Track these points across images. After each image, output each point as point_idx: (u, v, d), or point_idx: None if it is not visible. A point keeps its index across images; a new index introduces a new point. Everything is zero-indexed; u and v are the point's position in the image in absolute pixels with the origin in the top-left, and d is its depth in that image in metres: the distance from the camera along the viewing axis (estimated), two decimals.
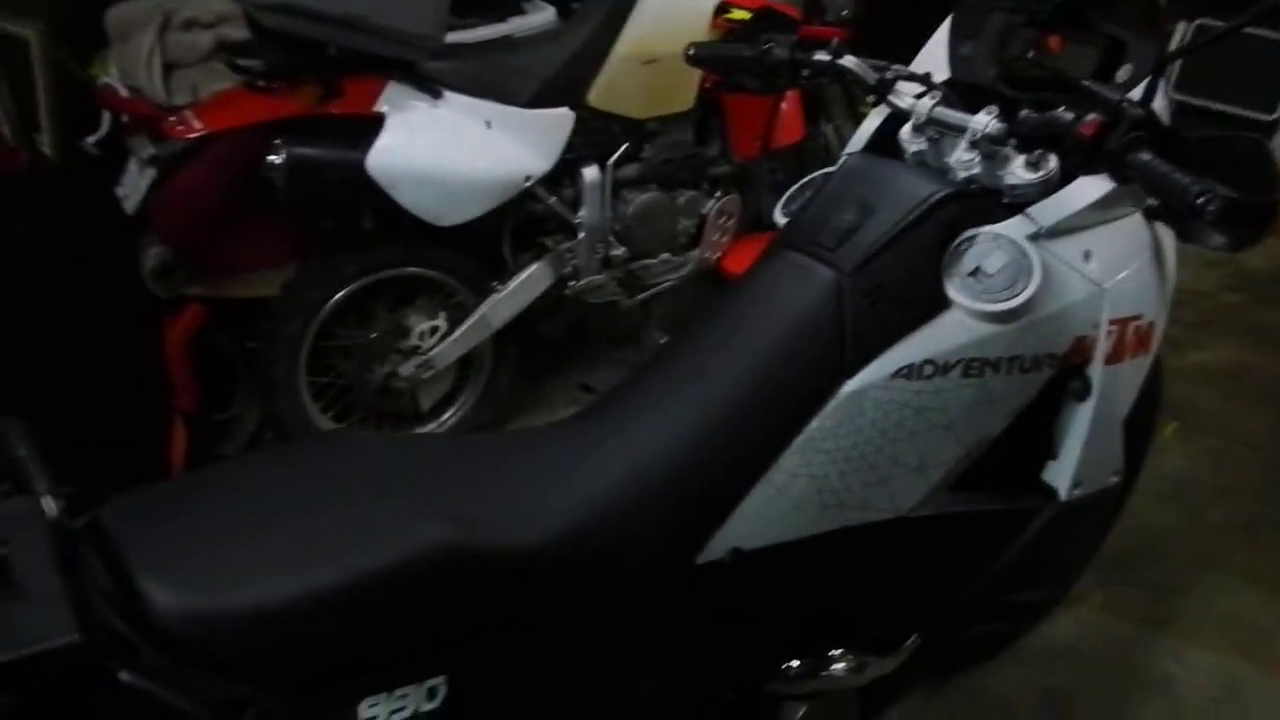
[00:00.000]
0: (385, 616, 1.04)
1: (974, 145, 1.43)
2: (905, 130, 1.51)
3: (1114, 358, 1.49)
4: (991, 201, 1.42)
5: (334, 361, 2.54)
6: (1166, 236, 1.60)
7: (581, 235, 2.61)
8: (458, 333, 2.56)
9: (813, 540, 1.36)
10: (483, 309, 2.57)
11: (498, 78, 2.41)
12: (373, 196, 2.26)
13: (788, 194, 1.63)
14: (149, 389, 2.60)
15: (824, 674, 1.50)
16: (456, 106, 2.34)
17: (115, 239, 2.47)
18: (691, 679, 1.36)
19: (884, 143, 1.57)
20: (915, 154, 1.49)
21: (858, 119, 2.14)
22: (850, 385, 1.34)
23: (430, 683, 1.07)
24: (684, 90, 2.66)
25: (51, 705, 0.87)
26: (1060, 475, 1.53)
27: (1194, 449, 2.87)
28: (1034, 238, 1.39)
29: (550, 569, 1.16)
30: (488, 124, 2.38)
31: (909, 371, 1.36)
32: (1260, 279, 3.92)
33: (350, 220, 2.44)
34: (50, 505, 0.98)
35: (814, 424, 1.33)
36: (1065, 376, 1.48)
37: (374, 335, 2.52)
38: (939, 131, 1.47)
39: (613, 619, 1.24)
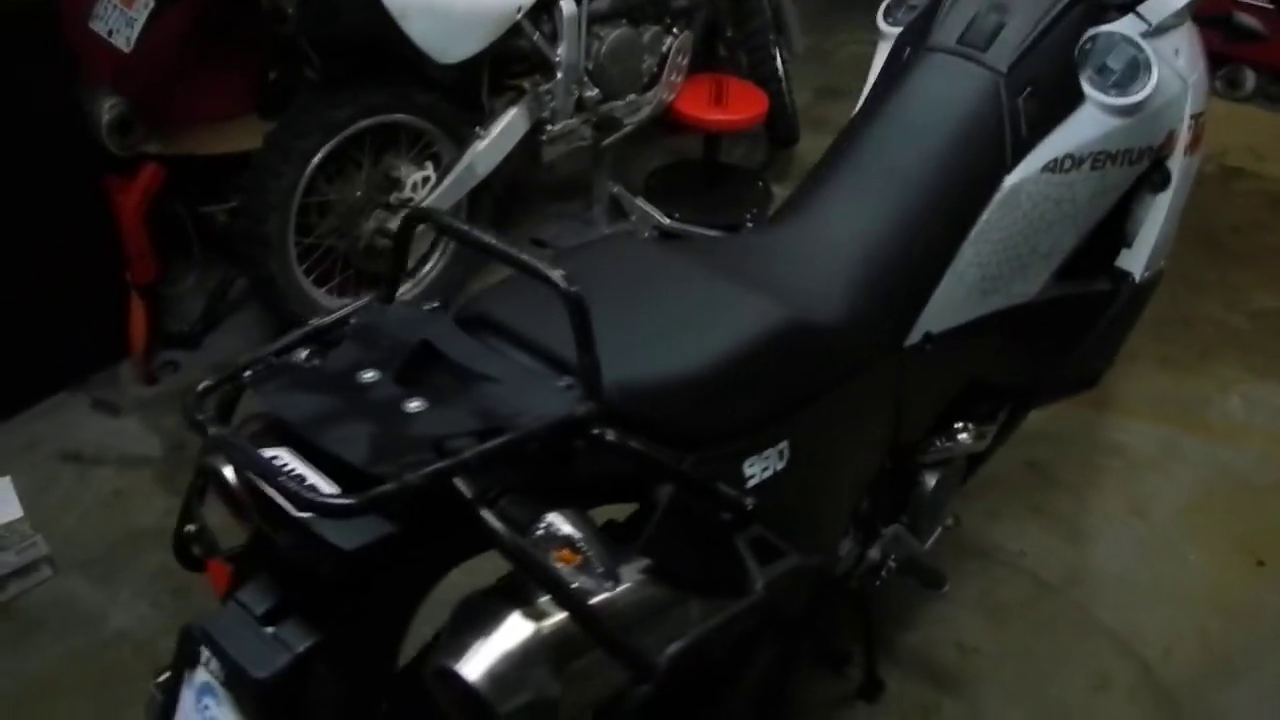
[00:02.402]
0: (757, 385, 1.14)
1: None
2: None
3: (1190, 150, 1.68)
4: (1108, 1, 1.54)
5: (310, 221, 2.41)
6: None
7: (559, 75, 2.57)
8: (446, 181, 2.49)
9: (973, 324, 1.50)
10: (468, 156, 2.50)
11: None
12: (381, 28, 2.13)
13: (888, 2, 1.69)
14: (101, 260, 2.39)
15: (955, 442, 1.66)
16: None
17: (59, 93, 2.20)
18: (883, 448, 1.48)
19: None
20: None
21: None
22: (1010, 179, 1.46)
23: (780, 445, 1.15)
24: None
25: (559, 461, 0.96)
26: (1136, 261, 1.73)
27: None
28: (1145, 35, 1.54)
29: (839, 342, 1.25)
30: None
31: (1054, 165, 1.49)
32: None
33: (352, 55, 2.28)
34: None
35: (984, 217, 1.45)
36: (1149, 169, 1.66)
37: (361, 190, 2.40)
38: None
39: (861, 391, 1.34)
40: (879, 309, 1.34)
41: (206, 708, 0.99)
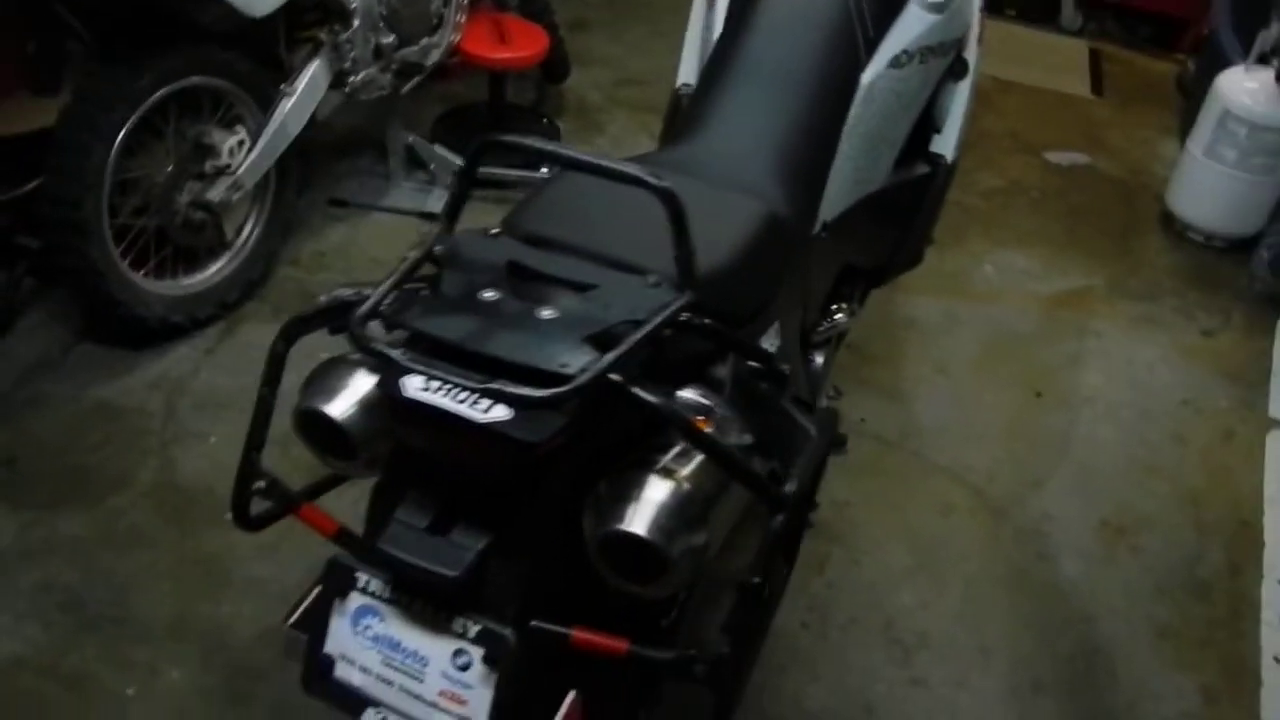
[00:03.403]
0: (766, 271, 1.32)
1: None
2: None
3: (980, 41, 1.97)
4: None
5: (116, 201, 2.24)
6: None
7: (356, 22, 2.51)
8: (261, 143, 2.39)
9: (849, 212, 1.72)
10: (278, 115, 2.42)
11: None
12: None
13: None
14: None
15: (834, 321, 1.89)
16: None
17: None
18: (798, 333, 1.67)
19: None
20: None
21: None
22: (866, 76, 1.68)
23: (775, 324, 1.30)
24: None
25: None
26: (947, 144, 2.00)
27: None
28: None
29: (790, 233, 1.42)
30: None
31: (894, 61, 1.72)
32: None
33: (124, 18, 2.12)
34: None
35: (852, 112, 1.66)
36: (953, 60, 1.94)
37: (172, 162, 2.27)
38: None
39: (795, 278, 1.51)
40: (800, 202, 1.52)
41: (368, 627, 1.03)
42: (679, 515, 1.00)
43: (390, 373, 0.99)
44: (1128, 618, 2.18)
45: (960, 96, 1.97)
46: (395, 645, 1.05)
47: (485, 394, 0.94)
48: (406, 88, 2.81)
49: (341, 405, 1.10)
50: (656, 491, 1.00)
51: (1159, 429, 2.64)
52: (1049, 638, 2.11)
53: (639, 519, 0.98)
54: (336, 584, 1.07)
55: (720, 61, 1.66)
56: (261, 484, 1.22)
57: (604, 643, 1.04)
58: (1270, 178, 3.14)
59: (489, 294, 1.06)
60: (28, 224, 2.33)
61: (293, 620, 1.13)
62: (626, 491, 1.01)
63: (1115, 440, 2.59)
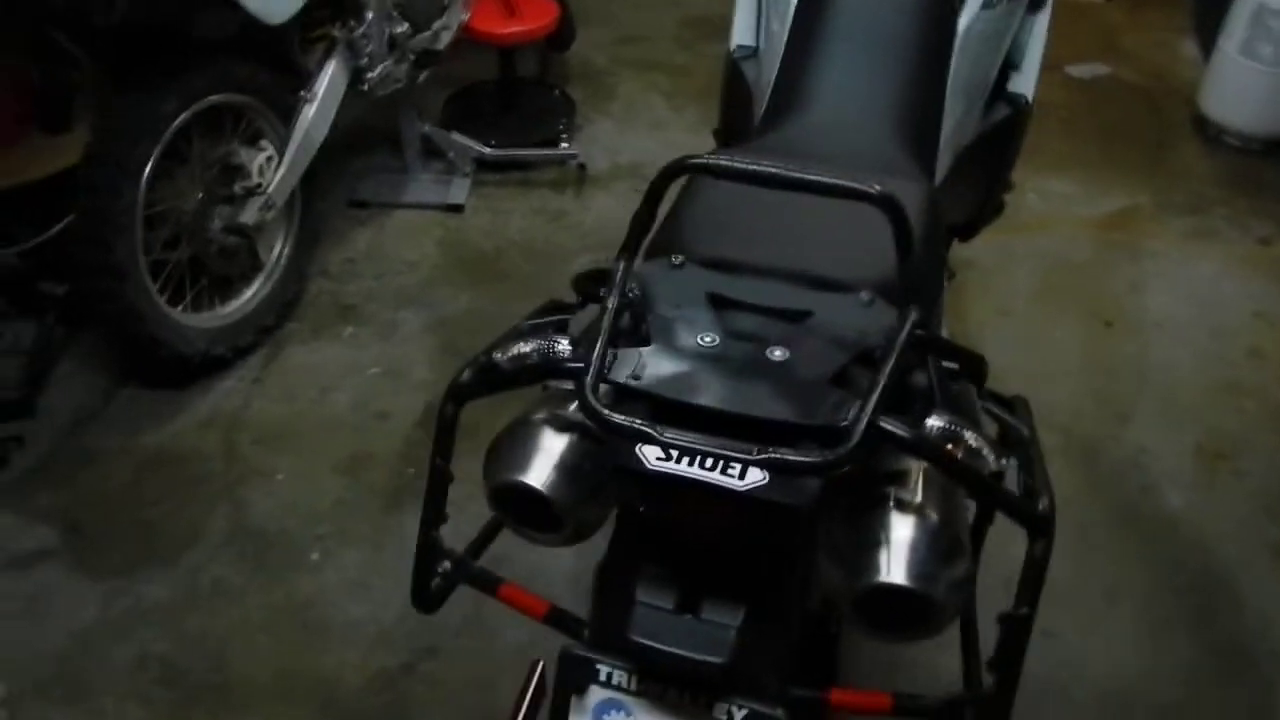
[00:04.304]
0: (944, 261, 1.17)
1: None
2: None
3: None
4: None
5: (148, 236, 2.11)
6: None
7: (369, 15, 2.36)
8: (289, 156, 2.26)
9: (952, 168, 1.62)
10: (301, 124, 2.28)
11: None
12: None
13: None
14: None
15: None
16: None
17: None
18: None
19: None
20: None
21: None
22: (963, 21, 1.57)
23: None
24: None
25: None
26: (1027, 83, 1.89)
27: None
28: None
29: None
30: None
31: (986, 3, 1.61)
32: None
33: (175, 36, 1.97)
34: None
35: (953, 63, 1.55)
36: None
37: (201, 188, 2.13)
38: None
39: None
40: (927, 170, 1.42)
41: None
42: (937, 553, 0.92)
43: (622, 443, 0.89)
44: (1242, 543, 2.13)
45: (1039, 30, 1.86)
46: None
47: (761, 464, 0.84)
48: (422, 77, 2.67)
49: (542, 475, 0.99)
50: (906, 531, 0.92)
51: (1234, 345, 2.57)
52: (1167, 573, 2.07)
53: (898, 568, 0.90)
54: (573, 678, 0.98)
55: (809, 25, 1.55)
56: (447, 564, 1.12)
57: (866, 700, 0.96)
58: None
59: (707, 339, 0.96)
60: (53, 270, 2.20)
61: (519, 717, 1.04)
62: (873, 537, 0.92)
63: (1193, 362, 2.53)
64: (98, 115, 1.98)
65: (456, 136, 2.88)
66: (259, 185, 2.21)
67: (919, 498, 0.94)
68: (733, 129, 1.97)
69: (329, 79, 2.32)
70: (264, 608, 1.94)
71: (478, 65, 3.23)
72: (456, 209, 2.86)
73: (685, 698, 0.95)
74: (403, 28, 2.49)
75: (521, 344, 1.04)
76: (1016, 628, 0.94)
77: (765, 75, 1.71)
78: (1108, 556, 2.08)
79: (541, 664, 1.04)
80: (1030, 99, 1.91)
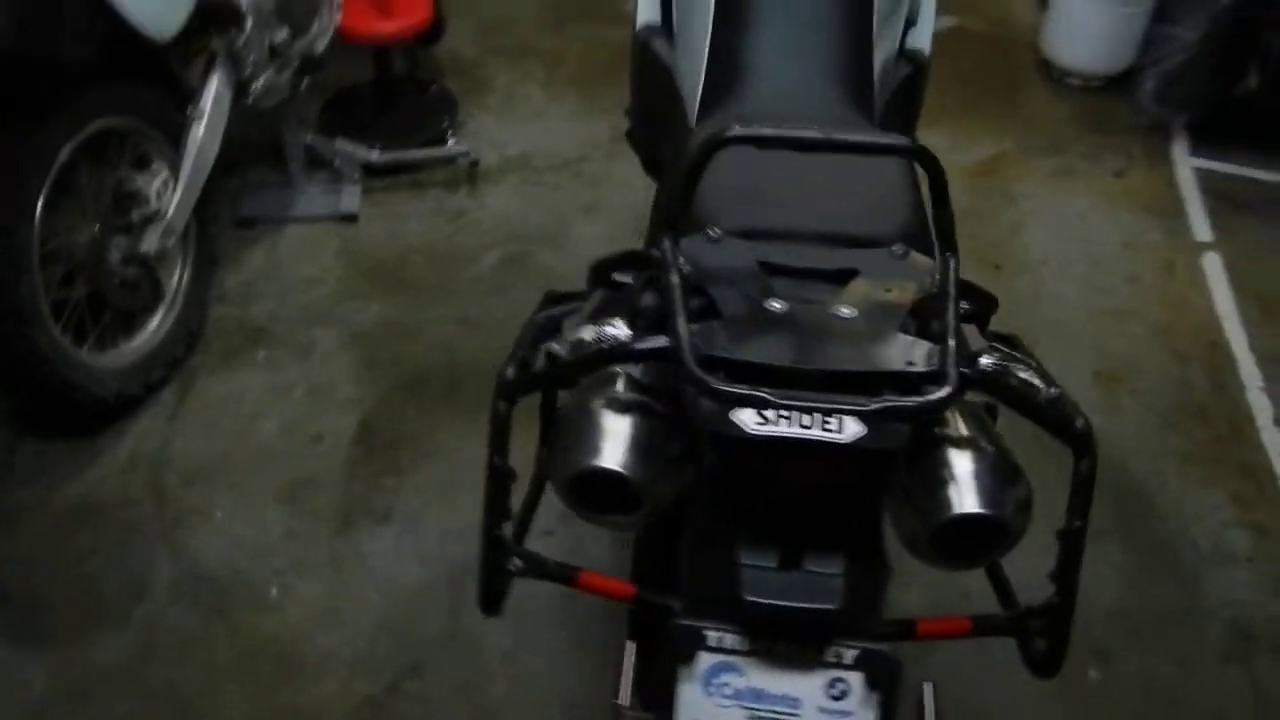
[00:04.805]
0: None
1: None
2: None
3: None
4: None
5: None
6: None
7: (249, 23, 2.25)
8: (184, 178, 2.14)
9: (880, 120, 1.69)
10: (193, 143, 2.16)
11: None
12: (85, 11, 1.74)
13: None
14: None
15: None
16: None
17: None
18: None
19: None
20: None
21: None
22: None
23: None
24: None
25: None
26: (923, 38, 1.98)
27: None
28: None
29: None
30: None
31: None
32: None
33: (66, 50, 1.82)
34: None
35: (874, 21, 1.62)
36: None
37: (97, 219, 2.00)
38: None
39: None
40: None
41: (724, 685, 0.96)
42: (1001, 478, 0.98)
43: (718, 412, 0.90)
44: (1148, 455, 2.31)
45: None
46: (760, 696, 0.99)
47: (872, 414, 0.88)
48: (304, 85, 2.57)
49: (618, 457, 0.99)
50: (968, 464, 0.98)
51: (1112, 274, 2.77)
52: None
53: (970, 498, 0.95)
54: (683, 647, 0.99)
55: (737, 11, 1.57)
56: (519, 562, 1.10)
57: (950, 626, 1.02)
58: (1138, 8, 3.27)
59: (775, 304, 0.98)
60: None
61: (622, 698, 1.04)
62: (939, 475, 0.97)
63: (1079, 295, 2.71)
64: None
65: (341, 143, 2.79)
66: (156, 212, 2.09)
67: (967, 432, 1.00)
68: (652, 106, 1.98)
69: (214, 93, 2.21)
70: (230, 652, 1.86)
71: (348, 68, 3.13)
72: (350, 219, 2.77)
73: (793, 649, 0.98)
74: (283, 34, 2.38)
75: (579, 333, 1.04)
76: (1073, 541, 1.01)
77: (685, 50, 1.73)
78: (1037, 482, 2.22)
79: (633, 645, 1.05)
80: (928, 53, 2.00)
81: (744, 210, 1.13)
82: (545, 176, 3.00)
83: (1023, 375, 1.02)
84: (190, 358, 2.36)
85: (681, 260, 1.02)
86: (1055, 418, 1.02)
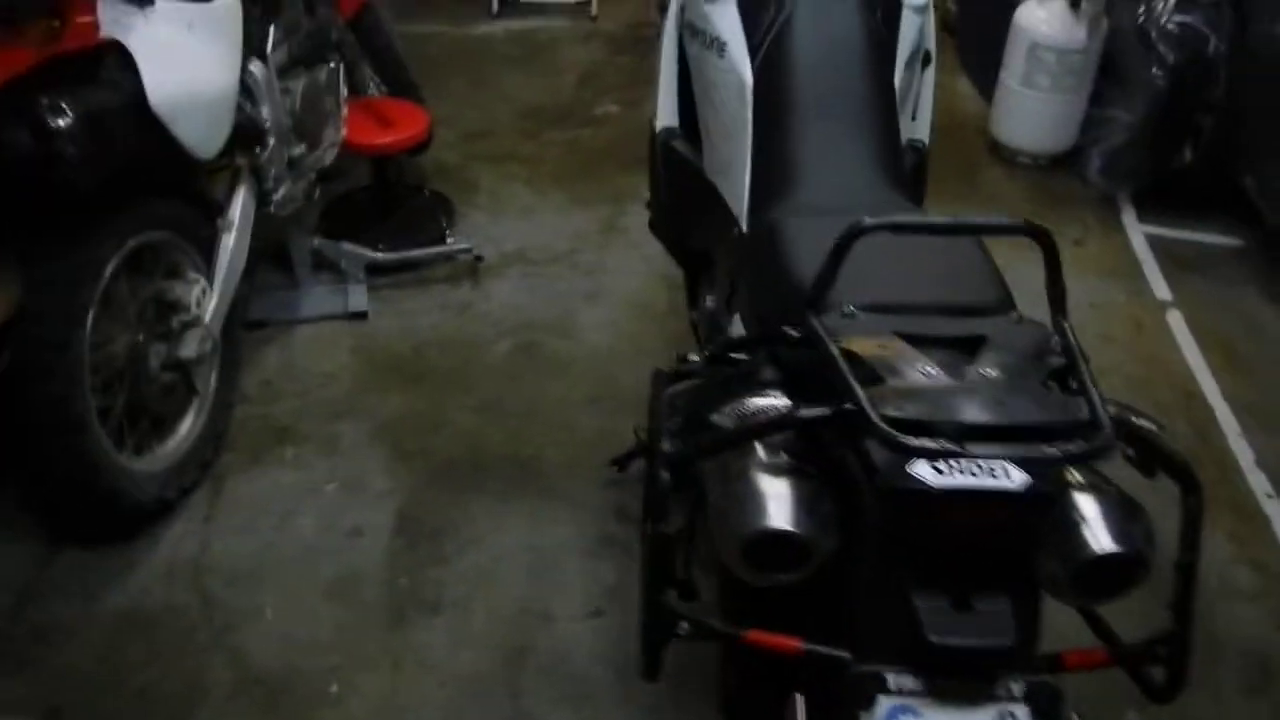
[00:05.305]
0: None
1: None
2: None
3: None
4: None
5: None
6: None
7: (272, 140, 2.34)
8: (218, 285, 2.20)
9: None
10: (225, 251, 2.23)
11: None
12: (148, 140, 1.81)
13: None
14: None
15: None
16: (165, 13, 1.91)
17: None
18: None
19: None
20: None
21: None
22: (897, 78, 1.80)
23: None
24: None
25: None
26: (923, 129, 2.15)
27: None
28: None
29: None
30: (190, 26, 1.99)
31: (908, 63, 1.86)
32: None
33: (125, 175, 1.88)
34: None
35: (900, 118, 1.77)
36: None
37: (140, 328, 2.04)
38: None
39: None
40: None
41: None
42: (1127, 516, 1.08)
43: (894, 466, 0.99)
44: (1148, 499, 2.44)
45: (929, 83, 2.12)
46: None
47: (1046, 461, 0.97)
48: (316, 194, 2.65)
49: (789, 517, 1.07)
50: (1095, 505, 1.07)
51: (1086, 334, 2.78)
52: None
53: (1105, 538, 1.04)
54: (860, 695, 1.05)
55: (775, 106, 1.71)
56: (685, 625, 1.16)
57: (1092, 657, 1.11)
58: (1079, 95, 3.56)
59: (929, 369, 1.08)
60: None
61: None
62: (1070, 518, 1.06)
63: None
64: (28, 266, 1.85)
65: (348, 246, 2.87)
66: (197, 318, 2.13)
67: (1085, 476, 1.10)
68: (680, 200, 2.11)
69: (241, 205, 2.28)
70: None
71: (341, 175, 3.22)
72: (360, 316, 2.83)
73: (965, 686, 1.05)
74: (300, 148, 2.48)
75: (740, 404, 1.12)
76: (1188, 573, 1.11)
77: (721, 151, 1.87)
78: None
79: (801, 698, 1.10)
80: (927, 143, 2.17)
81: (860, 288, 1.23)
82: (543, 268, 3.12)
83: (1145, 422, 1.14)
84: (218, 460, 2.38)
85: (839, 341, 1.12)
86: (1167, 457, 1.13)
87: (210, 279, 2.20)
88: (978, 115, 3.89)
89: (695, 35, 1.92)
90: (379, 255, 2.90)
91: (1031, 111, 3.62)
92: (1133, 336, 2.95)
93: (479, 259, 3.00)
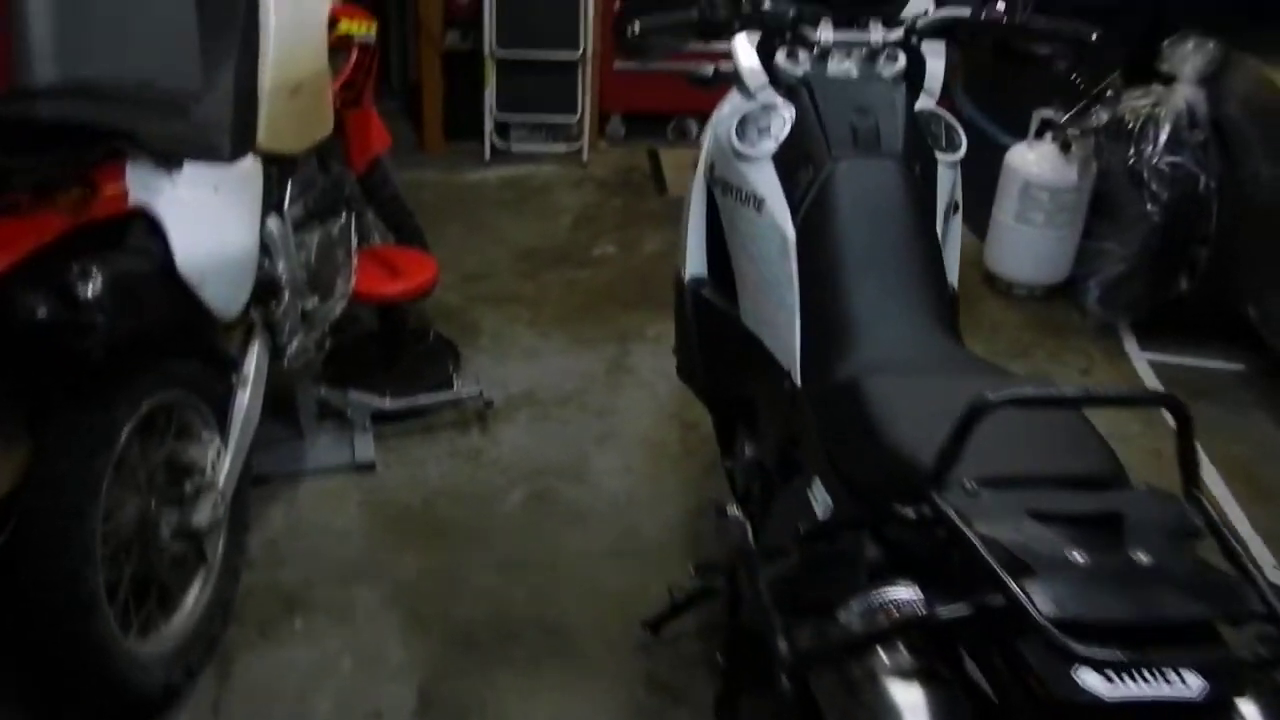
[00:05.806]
0: None
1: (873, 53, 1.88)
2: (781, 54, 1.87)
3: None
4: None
5: None
6: None
7: (287, 295, 2.29)
8: (233, 444, 2.10)
9: None
10: (240, 408, 2.14)
11: (198, 133, 1.97)
12: (175, 306, 1.75)
13: (735, 125, 1.85)
14: None
15: None
16: (191, 178, 1.88)
17: None
18: None
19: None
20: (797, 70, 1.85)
21: None
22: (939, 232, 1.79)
23: None
24: (326, 114, 2.43)
25: None
26: (953, 274, 2.11)
27: None
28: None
29: None
30: (215, 189, 1.96)
31: (945, 214, 1.85)
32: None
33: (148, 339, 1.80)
34: None
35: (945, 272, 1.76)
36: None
37: (152, 494, 1.93)
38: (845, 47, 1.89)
39: None
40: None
41: None
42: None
43: (1058, 674, 0.91)
44: None
45: (957, 229, 2.12)
46: None
47: (1210, 666, 0.90)
48: (327, 345, 2.59)
49: None
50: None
51: (1134, 449, 2.91)
52: None
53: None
54: None
55: (822, 260, 1.69)
56: None
57: None
58: (1072, 229, 3.63)
59: (1077, 556, 1.01)
60: None
61: None
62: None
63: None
64: (40, 431, 1.76)
65: (354, 395, 2.79)
66: (213, 481, 2.03)
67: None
68: (713, 348, 2.07)
69: (255, 360, 2.21)
70: None
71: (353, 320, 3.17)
72: (368, 467, 2.74)
73: None
74: (313, 301, 2.43)
75: (869, 597, 1.04)
76: None
77: (762, 302, 1.84)
78: None
79: None
80: (956, 288, 2.16)
81: (987, 458, 1.14)
82: (552, 411, 3.05)
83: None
84: (224, 634, 2.23)
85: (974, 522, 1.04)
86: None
87: (225, 438, 2.11)
88: (971, 249, 3.94)
89: (728, 191, 1.91)
90: (387, 404, 2.82)
91: (1026, 245, 3.68)
92: (1154, 466, 2.91)
93: (489, 404, 2.94)
